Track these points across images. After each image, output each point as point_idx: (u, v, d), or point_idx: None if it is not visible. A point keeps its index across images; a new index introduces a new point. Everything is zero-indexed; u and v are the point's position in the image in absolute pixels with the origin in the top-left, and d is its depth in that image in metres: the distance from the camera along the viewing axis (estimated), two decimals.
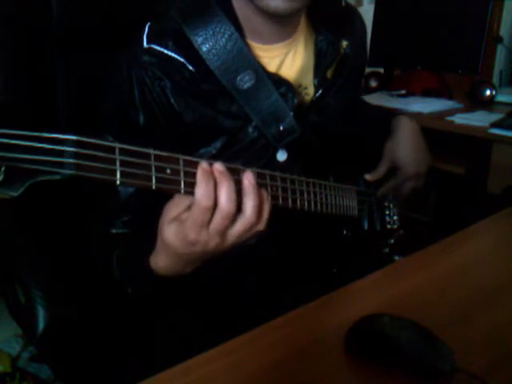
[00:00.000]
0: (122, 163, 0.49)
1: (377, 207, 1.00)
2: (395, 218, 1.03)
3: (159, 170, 0.52)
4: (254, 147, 0.79)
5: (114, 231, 0.76)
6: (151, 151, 0.52)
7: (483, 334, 0.61)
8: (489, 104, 1.95)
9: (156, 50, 0.74)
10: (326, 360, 0.57)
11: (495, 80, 2.22)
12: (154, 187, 0.52)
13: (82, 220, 0.83)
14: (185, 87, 0.75)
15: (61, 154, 0.45)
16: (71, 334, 0.84)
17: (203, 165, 0.55)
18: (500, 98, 1.99)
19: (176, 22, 0.75)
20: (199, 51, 0.74)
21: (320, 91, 0.84)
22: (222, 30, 0.74)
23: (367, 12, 2.25)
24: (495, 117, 1.74)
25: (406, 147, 0.95)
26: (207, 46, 0.74)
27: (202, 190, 0.54)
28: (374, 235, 1.00)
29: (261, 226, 0.60)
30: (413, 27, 2.14)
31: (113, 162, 0.49)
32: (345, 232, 0.94)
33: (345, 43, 0.87)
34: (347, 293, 0.71)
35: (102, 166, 0.48)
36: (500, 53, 2.23)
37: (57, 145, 0.45)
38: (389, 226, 1.03)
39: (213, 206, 0.55)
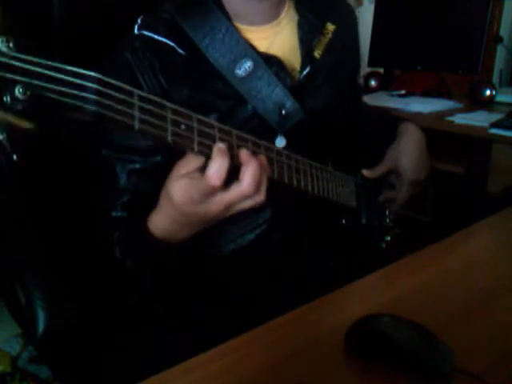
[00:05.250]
0: (141, 110, 0.50)
1: (374, 202, 1.00)
2: (392, 216, 1.03)
3: (174, 123, 0.54)
4: (250, 129, 0.80)
5: (113, 214, 0.77)
6: (167, 103, 0.53)
7: (483, 334, 0.61)
8: (489, 104, 1.95)
9: (146, 35, 0.77)
10: (326, 360, 0.57)
11: (495, 80, 2.22)
12: (169, 139, 0.53)
13: (83, 207, 0.83)
14: (174, 68, 0.77)
15: (83, 88, 0.46)
16: (71, 335, 0.84)
17: (220, 145, 0.57)
18: (500, 98, 1.99)
19: (168, 13, 0.78)
20: (200, 46, 0.76)
21: (308, 69, 0.85)
22: (218, 25, 0.78)
23: (367, 12, 2.25)
24: (495, 117, 1.74)
25: (409, 154, 0.95)
26: (206, 41, 0.77)
27: (214, 169, 0.56)
28: (371, 229, 1.00)
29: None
30: (413, 27, 2.14)
31: (132, 106, 0.50)
32: (343, 221, 0.94)
33: (332, 26, 0.89)
34: (347, 293, 0.71)
35: (122, 108, 0.49)
36: (500, 53, 2.23)
37: (80, 79, 0.46)
38: (385, 224, 1.03)
39: (221, 186, 0.57)
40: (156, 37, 0.77)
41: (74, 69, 0.46)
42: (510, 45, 2.20)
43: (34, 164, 0.81)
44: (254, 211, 0.65)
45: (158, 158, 0.76)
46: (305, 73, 0.85)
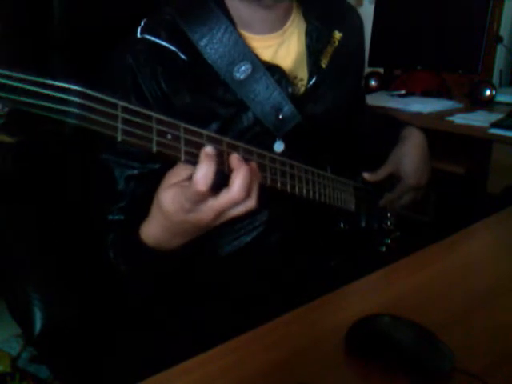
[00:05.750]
0: (124, 121, 0.50)
1: (374, 206, 1.00)
2: (392, 219, 1.03)
3: (160, 133, 0.53)
4: (251, 136, 0.80)
5: (110, 218, 0.77)
6: (153, 114, 0.53)
7: (483, 334, 0.61)
8: (489, 104, 1.95)
9: (148, 39, 0.76)
10: (326, 360, 0.57)
11: (495, 80, 2.22)
12: (154, 150, 0.53)
13: (84, 215, 0.83)
14: (176, 73, 0.76)
15: (65, 102, 0.46)
16: (69, 335, 0.84)
17: (207, 148, 0.56)
18: (500, 98, 1.99)
19: (170, 15, 0.78)
20: (197, 46, 0.76)
21: (314, 79, 0.85)
22: (218, 25, 0.77)
23: (367, 12, 2.25)
24: (495, 117, 1.74)
25: (411, 158, 0.95)
26: (204, 41, 0.76)
27: (200, 174, 0.55)
28: (370, 232, 1.00)
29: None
30: (413, 27, 2.14)
31: (115, 118, 0.50)
32: (342, 225, 0.94)
33: (339, 34, 0.88)
34: (347, 293, 0.71)
35: (105, 120, 0.49)
36: (500, 53, 2.23)
37: (62, 93, 0.46)
38: (385, 227, 1.03)
39: (208, 191, 0.55)
40: (158, 41, 0.76)
41: (56, 83, 0.46)
42: (510, 45, 2.20)
43: (32, 166, 0.82)
44: (250, 214, 0.64)
45: (157, 165, 0.76)
46: (311, 83, 0.85)
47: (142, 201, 0.68)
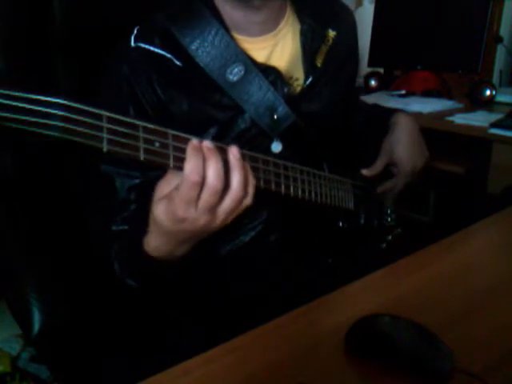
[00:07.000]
0: (110, 131, 0.50)
1: (374, 203, 1.00)
2: (393, 215, 1.03)
3: (147, 141, 0.53)
4: (248, 138, 0.80)
5: (114, 228, 0.77)
6: (139, 122, 0.53)
7: (483, 334, 0.61)
8: (489, 104, 1.95)
9: (142, 47, 0.76)
10: (326, 360, 0.57)
11: (495, 80, 2.22)
12: (142, 158, 0.53)
13: (83, 219, 0.83)
14: (172, 80, 0.76)
15: (48, 116, 0.46)
16: (67, 334, 0.84)
17: (193, 141, 0.56)
18: (500, 98, 1.99)
19: (162, 22, 0.77)
20: (188, 50, 0.76)
21: (310, 79, 0.85)
22: (209, 28, 0.77)
23: (367, 12, 2.25)
24: (495, 117, 1.74)
25: (402, 143, 0.95)
26: (195, 44, 0.76)
27: (191, 165, 0.55)
28: (370, 230, 1.00)
29: (248, 200, 0.61)
30: (413, 27, 2.14)
31: (100, 129, 0.50)
32: (341, 224, 0.94)
33: (332, 33, 0.88)
34: (347, 293, 0.71)
35: (89, 131, 0.49)
36: (500, 53, 2.23)
37: (45, 107, 0.46)
38: (386, 223, 1.03)
39: (201, 181, 0.55)
40: (152, 49, 0.76)
41: (40, 97, 0.46)
42: (510, 45, 2.20)
43: (31, 166, 0.82)
44: (249, 213, 0.64)
45: (158, 173, 0.75)
46: (308, 82, 0.84)
47: (146, 210, 0.68)
